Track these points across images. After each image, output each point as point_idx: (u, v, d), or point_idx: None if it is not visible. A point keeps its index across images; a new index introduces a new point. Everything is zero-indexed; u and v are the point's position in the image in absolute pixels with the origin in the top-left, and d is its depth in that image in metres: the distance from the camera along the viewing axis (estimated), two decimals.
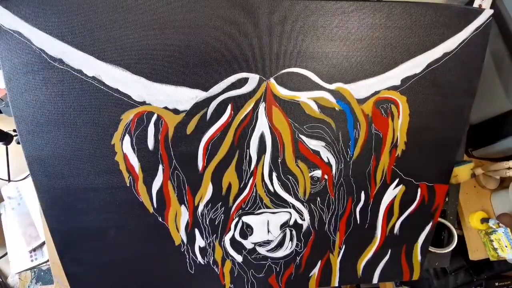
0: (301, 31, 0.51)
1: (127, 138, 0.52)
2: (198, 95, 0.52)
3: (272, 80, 0.53)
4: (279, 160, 0.56)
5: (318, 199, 0.60)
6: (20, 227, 0.84)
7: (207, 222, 0.58)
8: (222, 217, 0.58)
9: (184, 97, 0.51)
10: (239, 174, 0.56)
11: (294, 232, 0.61)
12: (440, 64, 0.56)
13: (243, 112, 0.53)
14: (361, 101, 0.56)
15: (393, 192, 0.63)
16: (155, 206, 0.56)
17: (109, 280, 0.61)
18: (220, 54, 0.51)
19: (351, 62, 0.54)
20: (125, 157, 0.53)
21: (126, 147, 0.53)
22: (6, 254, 0.87)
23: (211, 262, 0.62)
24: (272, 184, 0.57)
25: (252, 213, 0.58)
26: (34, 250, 0.84)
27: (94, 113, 0.50)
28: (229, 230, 0.59)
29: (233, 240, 0.60)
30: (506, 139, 0.72)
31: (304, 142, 0.56)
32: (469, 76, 0.58)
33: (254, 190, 0.57)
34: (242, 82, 0.52)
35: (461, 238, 0.83)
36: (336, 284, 0.67)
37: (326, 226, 0.62)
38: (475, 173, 0.80)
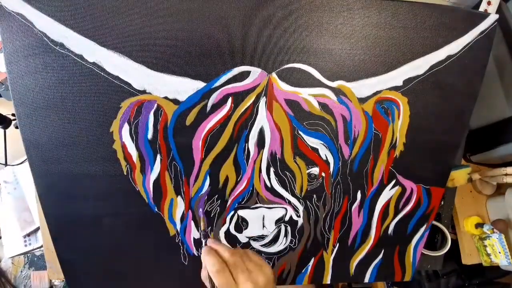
0: (305, 27, 0.51)
1: (126, 127, 0.52)
2: (199, 86, 0.51)
3: (274, 75, 0.52)
4: (278, 156, 0.56)
5: (315, 196, 0.60)
6: (15, 212, 0.84)
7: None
8: (218, 210, 0.58)
9: (185, 87, 0.51)
10: (237, 168, 0.56)
11: (289, 228, 0.61)
12: (443, 66, 0.56)
13: (244, 105, 0.53)
14: (362, 100, 0.56)
15: (389, 193, 0.63)
16: (151, 195, 0.56)
17: (102, 268, 0.61)
18: (222, 47, 0.50)
19: (354, 60, 0.54)
20: (123, 145, 0.53)
21: (124, 136, 0.52)
22: (0, 238, 0.87)
23: None
24: (269, 179, 0.57)
25: (248, 207, 0.58)
26: (28, 235, 0.84)
27: (93, 99, 0.50)
28: (225, 223, 0.59)
29: (227, 234, 0.60)
30: (504, 146, 0.72)
31: (303, 139, 0.56)
32: (471, 80, 0.58)
33: (251, 184, 0.57)
34: (244, 75, 0.52)
35: (455, 242, 0.83)
36: (328, 282, 0.67)
37: (321, 223, 0.63)
38: (472, 178, 0.80)
